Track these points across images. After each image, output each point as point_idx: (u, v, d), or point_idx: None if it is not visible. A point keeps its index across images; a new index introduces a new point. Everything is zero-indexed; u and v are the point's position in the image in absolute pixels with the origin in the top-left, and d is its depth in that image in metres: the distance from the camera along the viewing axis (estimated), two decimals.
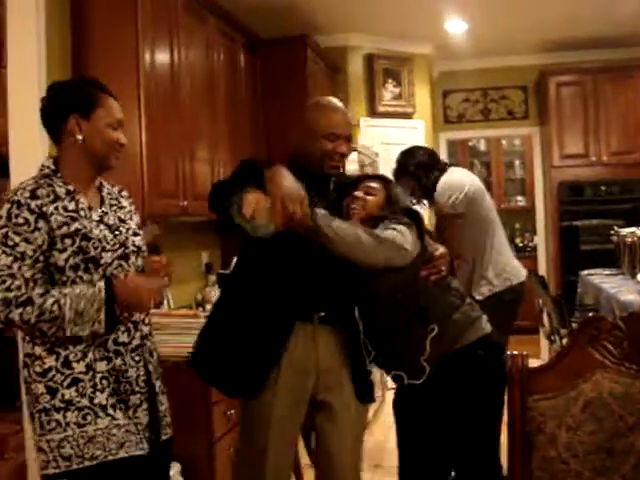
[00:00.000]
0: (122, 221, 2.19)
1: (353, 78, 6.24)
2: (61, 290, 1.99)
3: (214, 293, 4.41)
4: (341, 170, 2.61)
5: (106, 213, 2.15)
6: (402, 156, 4.00)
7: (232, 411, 3.34)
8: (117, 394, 2.06)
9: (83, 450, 1.99)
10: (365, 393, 2.55)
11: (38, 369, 2.02)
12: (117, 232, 2.14)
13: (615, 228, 5.33)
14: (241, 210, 2.13)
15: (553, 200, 6.72)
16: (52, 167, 2.10)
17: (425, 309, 2.44)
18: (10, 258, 1.95)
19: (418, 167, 3.88)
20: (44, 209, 1.99)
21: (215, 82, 4.34)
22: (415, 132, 6.43)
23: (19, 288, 1.95)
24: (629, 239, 4.91)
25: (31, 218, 1.98)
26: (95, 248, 2.04)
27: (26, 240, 1.97)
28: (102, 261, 2.05)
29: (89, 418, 2.00)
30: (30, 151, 3.05)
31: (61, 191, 2.06)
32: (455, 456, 2.55)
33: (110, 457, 2.01)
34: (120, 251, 2.11)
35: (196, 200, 3.95)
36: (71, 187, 2.08)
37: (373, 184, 2.58)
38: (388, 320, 2.45)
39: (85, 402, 2.00)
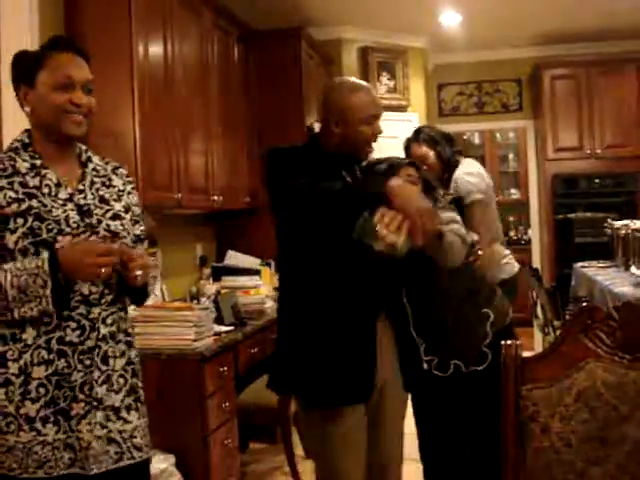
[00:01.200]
0: (104, 201, 1.93)
1: (347, 71, 6.21)
2: (0, 265, 1.75)
3: (209, 286, 4.41)
4: None
5: (81, 191, 1.90)
6: (418, 127, 3.73)
7: (227, 403, 3.35)
8: (55, 404, 1.80)
9: (2, 458, 1.79)
10: (411, 384, 2.52)
11: None
12: (87, 214, 1.87)
13: (609, 221, 5.34)
14: (375, 229, 1.90)
15: (547, 193, 6.73)
16: (26, 140, 1.90)
17: (476, 291, 2.50)
18: None
19: (438, 134, 3.53)
20: None
21: (209, 74, 4.33)
22: (409, 125, 6.40)
23: None
24: (622, 232, 4.92)
25: None
26: (49, 230, 1.79)
27: None
28: (57, 245, 1.78)
29: (12, 427, 1.79)
30: None
31: (23, 166, 1.85)
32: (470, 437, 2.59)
33: (25, 475, 1.79)
34: (84, 236, 1.84)
35: (190, 192, 3.95)
36: (38, 162, 1.87)
37: (412, 172, 2.44)
38: (441, 305, 2.48)
39: (11, 409, 1.79)
